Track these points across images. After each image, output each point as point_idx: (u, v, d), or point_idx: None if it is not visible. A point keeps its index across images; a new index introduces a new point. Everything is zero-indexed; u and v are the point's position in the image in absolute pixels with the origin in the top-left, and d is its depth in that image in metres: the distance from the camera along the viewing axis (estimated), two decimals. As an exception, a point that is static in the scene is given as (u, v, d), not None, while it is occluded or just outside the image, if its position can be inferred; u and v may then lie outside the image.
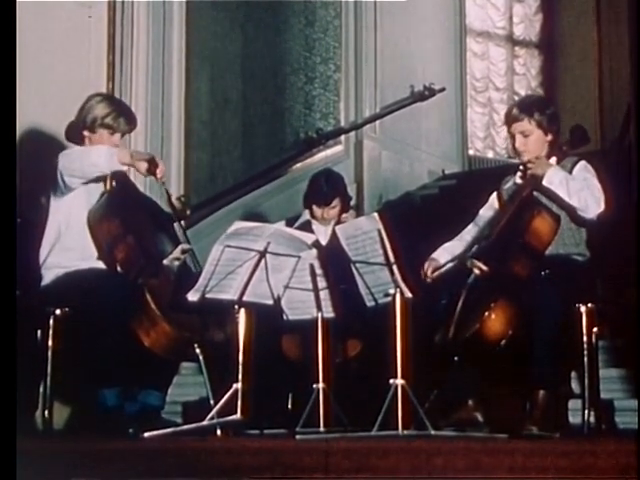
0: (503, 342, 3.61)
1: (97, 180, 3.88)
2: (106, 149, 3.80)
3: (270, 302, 3.73)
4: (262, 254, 3.65)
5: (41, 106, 4.64)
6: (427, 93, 4.38)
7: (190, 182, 5.82)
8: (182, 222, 3.92)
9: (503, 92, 9.57)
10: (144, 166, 3.75)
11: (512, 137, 3.89)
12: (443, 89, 5.32)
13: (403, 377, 3.48)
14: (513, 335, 3.61)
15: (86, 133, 4.00)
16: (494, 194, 4.07)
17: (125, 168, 3.81)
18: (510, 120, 3.88)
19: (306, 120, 6.97)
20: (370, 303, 3.70)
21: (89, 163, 3.75)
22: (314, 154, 6.83)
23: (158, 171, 3.75)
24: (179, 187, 5.60)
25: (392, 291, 3.58)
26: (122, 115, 3.98)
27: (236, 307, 3.64)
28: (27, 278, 3.73)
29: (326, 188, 4.53)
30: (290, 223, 4.61)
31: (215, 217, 5.99)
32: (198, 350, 3.67)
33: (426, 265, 3.94)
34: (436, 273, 3.90)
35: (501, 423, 3.64)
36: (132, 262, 3.82)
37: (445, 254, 4.00)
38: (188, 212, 3.94)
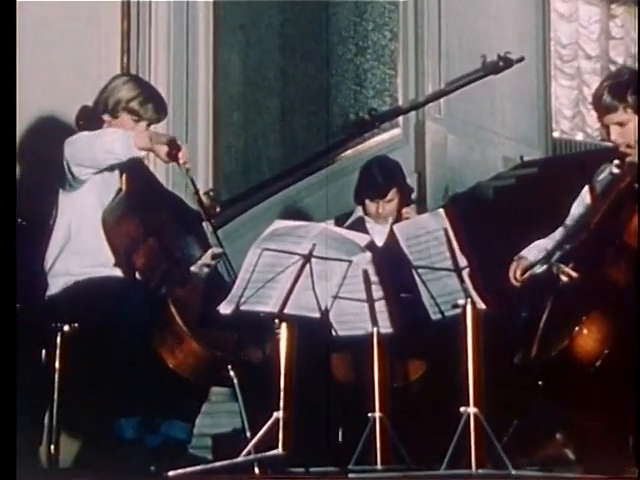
0: (597, 363, 3.59)
1: (111, 169, 3.88)
2: (121, 132, 3.80)
3: (316, 315, 3.76)
4: (307, 258, 3.68)
5: (45, 86, 4.67)
6: (502, 64, 4.37)
7: (220, 174, 5.82)
8: (212, 221, 3.92)
9: (595, 61, 9.44)
10: (164, 150, 3.74)
11: (606, 128, 3.87)
12: (522, 59, 5.29)
13: (476, 405, 3.48)
14: (610, 354, 3.59)
15: (106, 118, 4.02)
16: (586, 188, 4.04)
17: (143, 154, 3.81)
18: (602, 111, 3.84)
19: (356, 99, 6.94)
20: (435, 316, 3.73)
21: (101, 149, 3.75)
22: (366, 139, 6.75)
23: (180, 155, 3.74)
24: (207, 180, 5.60)
25: (462, 301, 3.60)
26: (151, 100, 3.99)
27: (276, 321, 3.68)
28: (30, 288, 3.76)
29: (380, 178, 4.55)
30: (340, 222, 4.62)
31: (250, 215, 5.97)
32: (232, 372, 3.71)
33: (513, 266, 3.90)
34: (526, 274, 3.84)
35: (597, 462, 3.61)
36: (154, 269, 3.84)
37: (535, 252, 3.95)
38: (218, 209, 3.95)
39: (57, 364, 3.83)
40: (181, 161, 3.75)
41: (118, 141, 3.74)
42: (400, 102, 7.18)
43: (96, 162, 3.81)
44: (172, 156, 3.74)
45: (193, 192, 3.84)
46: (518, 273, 3.89)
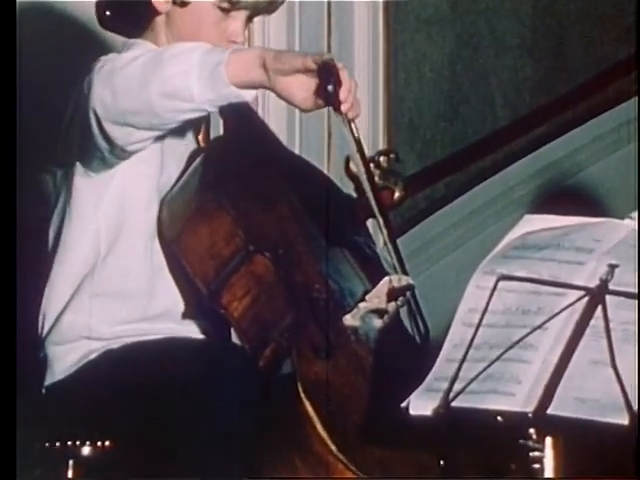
0: None
1: (180, 131, 3.45)
2: (202, 51, 3.27)
3: (622, 421, 3.02)
4: (597, 296, 3.01)
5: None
6: None
7: (399, 124, 5.27)
8: (386, 219, 3.40)
9: None
10: (305, 86, 3.25)
11: None
12: None
13: None
14: None
15: (162, 5, 3.50)
16: None
17: (253, 94, 3.24)
18: None
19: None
20: None
21: (165, 93, 3.24)
22: None
23: (343, 96, 3.26)
24: (375, 137, 5.04)
25: None
26: None
27: (532, 433, 3.03)
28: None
29: None
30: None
31: (464, 204, 5.36)
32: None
33: None
34: None
35: None
36: (267, 321, 3.36)
37: None
38: (398, 194, 3.46)
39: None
40: (344, 108, 3.28)
41: (196, 76, 3.23)
42: None
43: (155, 119, 3.29)
44: (324, 98, 3.27)
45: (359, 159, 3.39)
46: None
